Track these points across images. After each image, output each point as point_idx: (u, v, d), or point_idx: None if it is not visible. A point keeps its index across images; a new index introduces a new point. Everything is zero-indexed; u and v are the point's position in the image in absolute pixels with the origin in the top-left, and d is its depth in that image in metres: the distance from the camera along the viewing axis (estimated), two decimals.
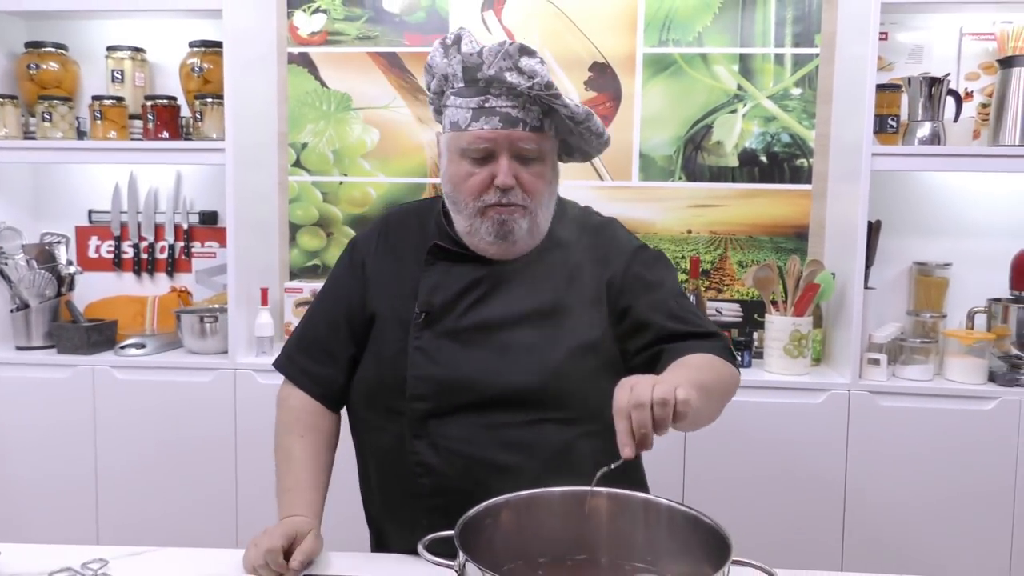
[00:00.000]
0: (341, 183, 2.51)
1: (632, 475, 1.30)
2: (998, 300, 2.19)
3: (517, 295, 1.23)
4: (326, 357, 1.31)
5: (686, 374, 1.04)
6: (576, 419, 1.19)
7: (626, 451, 0.90)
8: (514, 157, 1.19)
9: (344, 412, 1.36)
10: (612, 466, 0.93)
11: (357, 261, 1.33)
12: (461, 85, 1.20)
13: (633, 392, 0.91)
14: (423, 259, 1.26)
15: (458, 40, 1.20)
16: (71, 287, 2.45)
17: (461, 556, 0.83)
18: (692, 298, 2.21)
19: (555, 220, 1.28)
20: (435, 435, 1.20)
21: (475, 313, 1.22)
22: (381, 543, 1.33)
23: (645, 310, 1.22)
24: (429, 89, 1.27)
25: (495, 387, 1.18)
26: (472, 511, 0.91)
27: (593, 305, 1.23)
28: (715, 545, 0.86)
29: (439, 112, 1.28)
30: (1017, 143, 2.07)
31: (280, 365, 1.36)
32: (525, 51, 1.16)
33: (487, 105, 1.17)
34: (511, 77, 1.16)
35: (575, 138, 1.26)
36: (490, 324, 1.21)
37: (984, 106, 2.26)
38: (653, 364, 1.17)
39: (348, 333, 1.30)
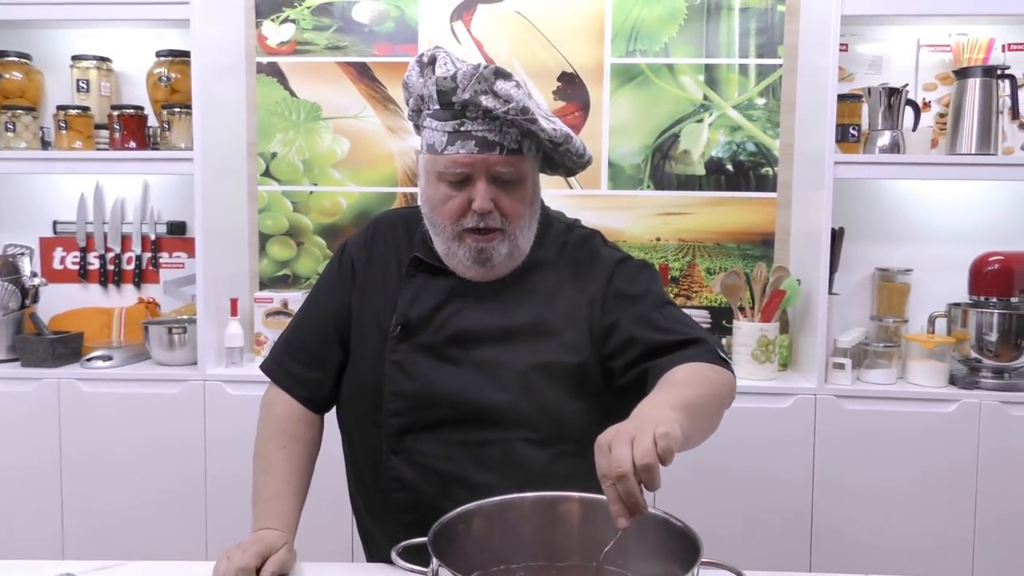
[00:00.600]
0: (311, 193, 2.51)
1: None
2: (958, 305, 2.24)
3: (495, 311, 1.21)
4: (313, 361, 1.30)
5: (669, 398, 0.99)
6: (551, 440, 1.17)
7: (621, 521, 0.83)
8: (492, 181, 1.17)
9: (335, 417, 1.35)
10: (614, 541, 0.88)
11: (347, 265, 1.32)
12: (437, 107, 1.18)
13: (613, 457, 0.84)
14: (404, 270, 1.26)
15: (433, 61, 1.18)
16: (35, 299, 2.41)
17: (434, 562, 0.84)
18: None
19: (538, 236, 1.26)
20: (411, 450, 1.19)
21: (451, 327, 1.21)
22: (371, 552, 1.33)
23: (630, 326, 1.19)
24: (408, 106, 1.25)
25: (469, 404, 1.18)
26: (445, 517, 0.92)
27: (573, 325, 1.21)
28: (685, 547, 0.88)
29: (419, 129, 1.25)
30: (973, 151, 2.13)
31: (267, 368, 1.35)
32: (500, 74, 1.14)
33: (463, 129, 1.16)
34: (486, 101, 1.13)
35: (558, 155, 1.24)
36: (466, 339, 1.20)
37: (941, 116, 2.32)
38: (641, 383, 1.13)
39: (336, 338, 1.29)
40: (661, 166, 2.44)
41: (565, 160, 1.25)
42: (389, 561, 0.93)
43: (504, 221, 1.18)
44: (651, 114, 2.43)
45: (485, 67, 1.14)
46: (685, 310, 2.37)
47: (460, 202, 1.18)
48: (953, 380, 2.17)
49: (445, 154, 1.17)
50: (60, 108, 2.31)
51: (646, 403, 0.99)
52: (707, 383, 1.10)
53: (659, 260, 2.44)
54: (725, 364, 1.16)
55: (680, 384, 1.07)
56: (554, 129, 1.17)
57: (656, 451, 0.83)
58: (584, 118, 2.43)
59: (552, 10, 2.41)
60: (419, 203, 1.26)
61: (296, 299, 2.33)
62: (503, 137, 1.16)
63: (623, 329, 1.19)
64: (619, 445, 0.85)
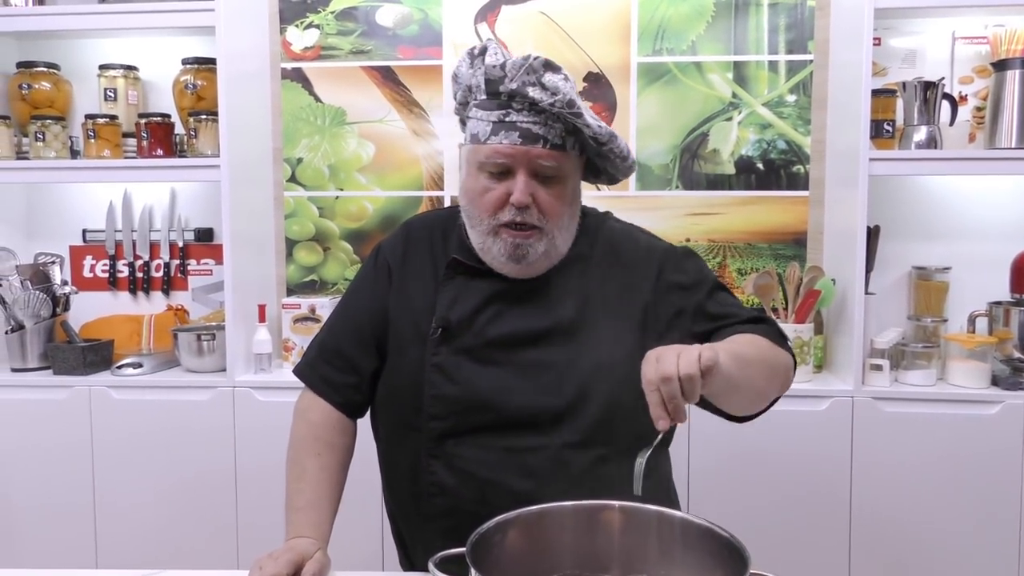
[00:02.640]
0: (337, 198, 2.50)
1: (662, 489, 1.28)
2: (999, 303, 2.18)
3: (537, 312, 1.20)
4: (348, 366, 1.29)
5: (718, 344, 1.03)
6: (594, 442, 1.15)
7: (661, 423, 0.90)
8: (532, 175, 1.15)
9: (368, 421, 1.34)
10: (654, 444, 0.95)
11: (382, 267, 1.31)
12: (483, 97, 1.17)
13: (659, 365, 0.91)
14: (442, 272, 1.24)
15: (484, 51, 1.17)
16: (66, 307, 2.43)
17: (473, 573, 0.82)
18: None
19: (577, 232, 1.25)
20: (451, 455, 1.17)
21: (493, 329, 1.19)
22: (408, 557, 1.31)
23: (688, 319, 1.19)
24: (456, 99, 1.25)
25: (513, 408, 1.16)
26: (483, 527, 0.90)
27: (617, 318, 1.19)
28: (731, 558, 0.85)
29: (464, 123, 1.25)
30: (1013, 145, 2.07)
31: (300, 372, 1.33)
32: (550, 67, 1.13)
33: (507, 119, 1.14)
34: (533, 92, 1.12)
35: (601, 160, 1.23)
36: (509, 341, 1.18)
37: (979, 109, 2.27)
38: None
39: (372, 342, 1.28)
40: (690, 166, 2.40)
41: (608, 165, 1.23)
42: (425, 568, 0.91)
43: (542, 219, 1.16)
44: (679, 113, 2.39)
45: (535, 58, 1.13)
46: None
47: (499, 194, 1.16)
48: (995, 381, 2.10)
49: (488, 143, 1.15)
50: (88, 117, 2.32)
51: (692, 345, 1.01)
52: (758, 347, 1.12)
53: None
54: (784, 344, 1.17)
55: (730, 340, 1.09)
56: (599, 127, 1.15)
57: (699, 364, 0.90)
58: (611, 118, 2.40)
59: (577, 10, 2.39)
60: (459, 195, 1.24)
61: (324, 304, 2.32)
62: (548, 131, 1.14)
63: (683, 321, 1.19)
64: (666, 356, 0.93)
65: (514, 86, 1.13)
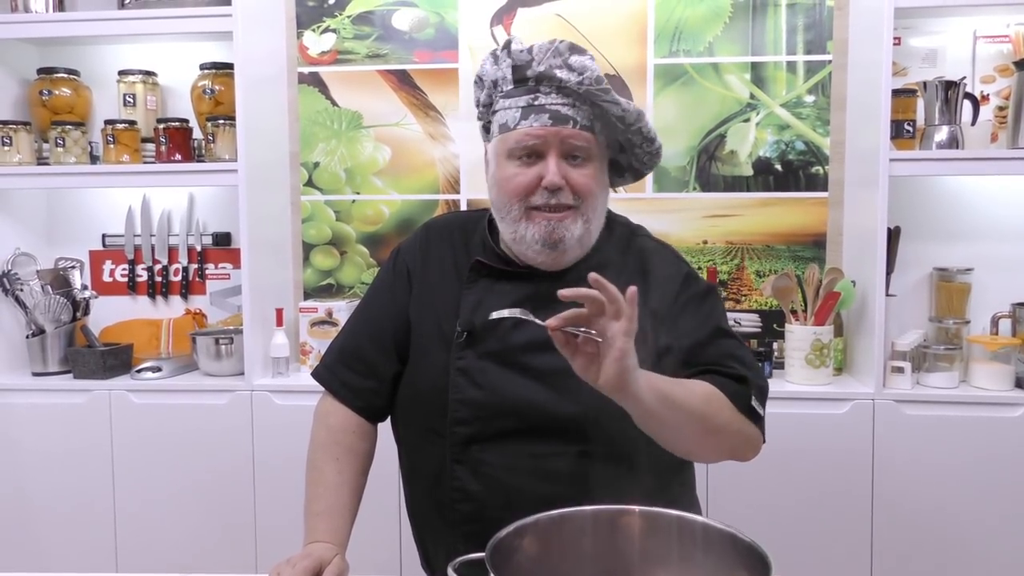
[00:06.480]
0: (354, 201, 2.50)
1: (685, 496, 1.27)
2: (1022, 304, 2.15)
3: None
4: (368, 370, 1.28)
5: (655, 378, 1.02)
6: (621, 454, 1.13)
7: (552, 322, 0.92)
8: (563, 157, 1.15)
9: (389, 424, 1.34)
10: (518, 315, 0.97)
11: (402, 271, 1.30)
12: (511, 87, 1.18)
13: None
14: (465, 275, 1.23)
15: (508, 44, 1.19)
16: (86, 311, 2.44)
17: None
18: None
19: (603, 237, 1.24)
20: (476, 461, 1.17)
21: (517, 335, 1.18)
22: (428, 561, 1.31)
23: (690, 350, 1.16)
24: (478, 104, 1.25)
25: (539, 414, 1.15)
26: (502, 532, 0.89)
27: (641, 335, 1.19)
28: (753, 564, 0.83)
29: (487, 129, 1.25)
30: None
31: (319, 376, 1.32)
32: (576, 49, 1.15)
33: (536, 103, 1.15)
34: (561, 73, 1.14)
35: (625, 155, 1.23)
36: (533, 347, 1.16)
37: (1001, 109, 2.24)
38: None
39: (393, 346, 1.27)
40: (707, 167, 2.39)
41: (633, 158, 1.23)
42: (446, 571, 0.90)
43: (577, 199, 1.15)
44: (696, 115, 2.38)
45: (561, 42, 1.15)
46: (735, 314, 2.35)
47: (529, 178, 1.15)
48: (1019, 383, 2.08)
49: (518, 128, 1.15)
50: (108, 123, 2.34)
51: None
52: (707, 402, 1.08)
53: (707, 263, 2.39)
54: (752, 416, 1.13)
55: (678, 382, 1.06)
56: (628, 103, 1.15)
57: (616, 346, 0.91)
58: None
59: (593, 11, 2.38)
60: (488, 190, 1.23)
61: (341, 308, 2.32)
62: (577, 112, 1.15)
63: (674, 357, 1.16)
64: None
65: (542, 69, 1.14)
